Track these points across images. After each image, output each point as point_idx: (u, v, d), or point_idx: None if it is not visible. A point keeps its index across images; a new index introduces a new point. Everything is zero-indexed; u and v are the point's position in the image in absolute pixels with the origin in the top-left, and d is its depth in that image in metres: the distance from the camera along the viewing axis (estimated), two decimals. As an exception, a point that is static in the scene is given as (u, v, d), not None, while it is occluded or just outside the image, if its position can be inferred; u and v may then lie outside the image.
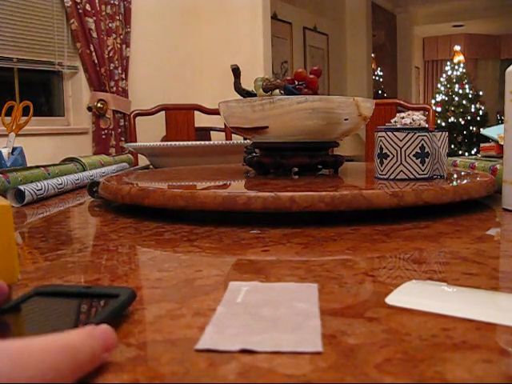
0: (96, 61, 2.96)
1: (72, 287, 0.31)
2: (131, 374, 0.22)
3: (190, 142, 1.15)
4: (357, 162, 1.69)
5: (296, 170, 0.77)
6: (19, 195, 0.76)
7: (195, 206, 0.56)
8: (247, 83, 0.83)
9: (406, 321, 0.27)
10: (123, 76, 3.15)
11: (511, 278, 0.36)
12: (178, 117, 2.15)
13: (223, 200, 0.55)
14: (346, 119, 0.74)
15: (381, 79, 7.24)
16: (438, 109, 8.07)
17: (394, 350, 0.24)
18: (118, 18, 3.09)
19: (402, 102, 1.94)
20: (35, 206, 0.75)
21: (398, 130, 0.66)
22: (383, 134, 0.66)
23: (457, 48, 8.80)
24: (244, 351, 0.24)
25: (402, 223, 0.54)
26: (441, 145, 0.66)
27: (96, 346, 0.21)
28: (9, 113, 1.23)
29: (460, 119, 8.06)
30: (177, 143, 1.13)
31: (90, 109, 3.01)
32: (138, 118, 2.10)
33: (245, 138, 0.91)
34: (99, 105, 2.98)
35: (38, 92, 3.01)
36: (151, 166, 1.24)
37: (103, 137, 3.04)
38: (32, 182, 0.85)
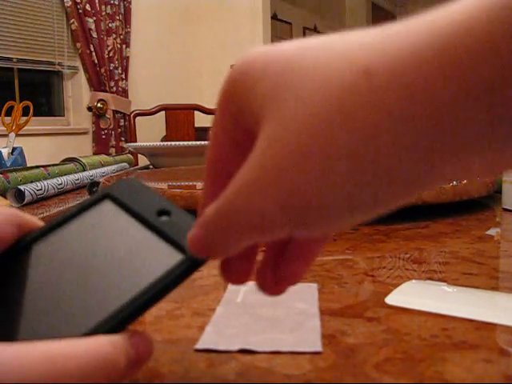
0: (96, 61, 2.96)
1: (154, 201, 0.22)
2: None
3: (189, 142, 1.15)
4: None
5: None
6: (19, 195, 0.76)
7: (195, 206, 0.56)
8: (247, 83, 0.83)
9: (406, 321, 0.27)
10: (123, 76, 3.15)
11: (511, 278, 0.36)
12: (178, 117, 2.16)
13: (223, 200, 0.55)
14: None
15: (381, 79, 7.24)
16: (438, 109, 8.07)
17: (394, 350, 0.24)
18: (117, 17, 3.09)
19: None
20: (35, 206, 0.75)
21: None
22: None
23: (457, 48, 8.80)
24: (243, 351, 0.24)
25: (402, 223, 0.54)
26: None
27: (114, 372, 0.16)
28: (9, 113, 1.23)
29: (460, 119, 8.06)
30: (177, 143, 1.13)
31: (90, 109, 3.00)
32: (137, 118, 2.10)
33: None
34: (99, 105, 2.98)
35: (38, 92, 3.01)
36: (151, 166, 1.23)
37: (103, 137, 3.04)
38: (32, 181, 0.85)
